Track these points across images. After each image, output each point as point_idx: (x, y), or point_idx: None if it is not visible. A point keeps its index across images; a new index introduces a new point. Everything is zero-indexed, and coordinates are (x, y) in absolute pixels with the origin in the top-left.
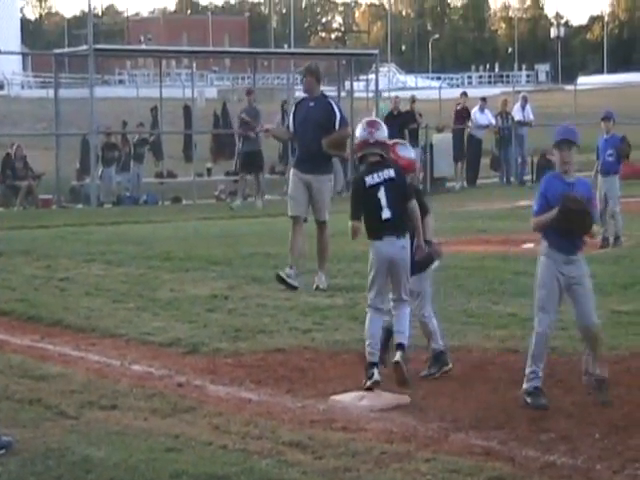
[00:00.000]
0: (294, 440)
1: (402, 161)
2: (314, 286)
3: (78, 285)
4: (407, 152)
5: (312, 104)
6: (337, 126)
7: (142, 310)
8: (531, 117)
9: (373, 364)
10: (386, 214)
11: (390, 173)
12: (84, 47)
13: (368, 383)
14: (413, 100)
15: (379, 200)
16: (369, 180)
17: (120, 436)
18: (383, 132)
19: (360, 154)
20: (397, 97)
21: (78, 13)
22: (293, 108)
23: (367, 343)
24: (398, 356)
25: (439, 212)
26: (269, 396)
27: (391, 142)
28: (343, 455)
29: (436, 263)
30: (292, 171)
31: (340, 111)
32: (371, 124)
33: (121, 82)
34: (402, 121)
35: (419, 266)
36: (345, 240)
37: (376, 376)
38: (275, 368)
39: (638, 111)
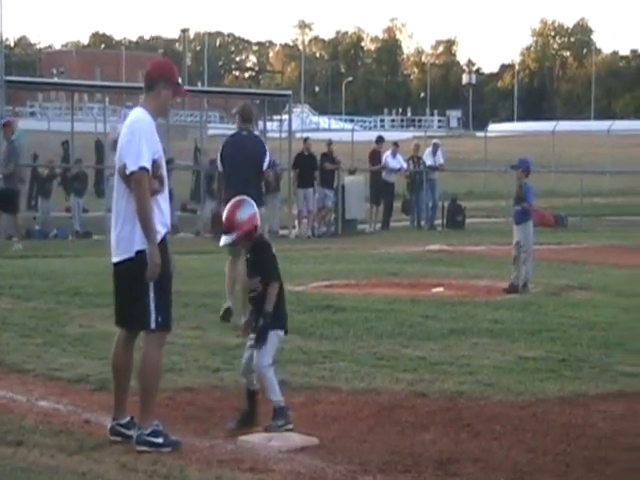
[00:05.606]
0: None
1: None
2: None
3: None
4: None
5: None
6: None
7: (50, 345)
8: (441, 161)
9: None
10: None
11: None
12: None
13: None
14: (330, 142)
15: None
16: None
17: (26, 473)
18: None
19: None
20: (308, 138)
21: None
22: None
23: None
24: None
25: (351, 254)
26: (177, 435)
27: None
28: None
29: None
30: None
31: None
32: None
33: (32, 115)
34: (312, 162)
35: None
36: None
37: None
38: (184, 407)
39: (546, 159)
